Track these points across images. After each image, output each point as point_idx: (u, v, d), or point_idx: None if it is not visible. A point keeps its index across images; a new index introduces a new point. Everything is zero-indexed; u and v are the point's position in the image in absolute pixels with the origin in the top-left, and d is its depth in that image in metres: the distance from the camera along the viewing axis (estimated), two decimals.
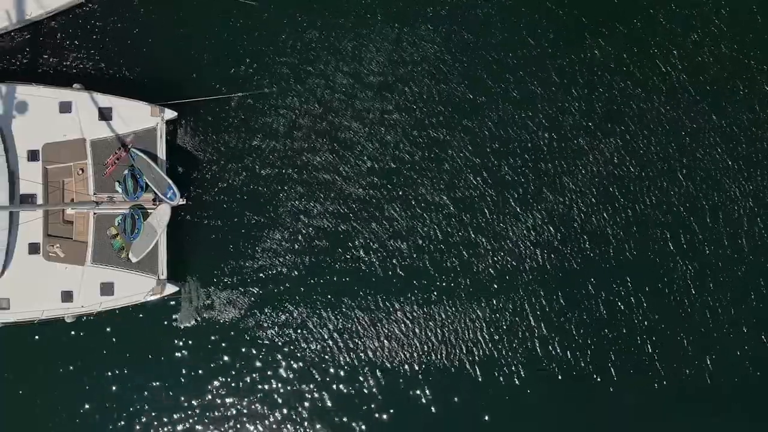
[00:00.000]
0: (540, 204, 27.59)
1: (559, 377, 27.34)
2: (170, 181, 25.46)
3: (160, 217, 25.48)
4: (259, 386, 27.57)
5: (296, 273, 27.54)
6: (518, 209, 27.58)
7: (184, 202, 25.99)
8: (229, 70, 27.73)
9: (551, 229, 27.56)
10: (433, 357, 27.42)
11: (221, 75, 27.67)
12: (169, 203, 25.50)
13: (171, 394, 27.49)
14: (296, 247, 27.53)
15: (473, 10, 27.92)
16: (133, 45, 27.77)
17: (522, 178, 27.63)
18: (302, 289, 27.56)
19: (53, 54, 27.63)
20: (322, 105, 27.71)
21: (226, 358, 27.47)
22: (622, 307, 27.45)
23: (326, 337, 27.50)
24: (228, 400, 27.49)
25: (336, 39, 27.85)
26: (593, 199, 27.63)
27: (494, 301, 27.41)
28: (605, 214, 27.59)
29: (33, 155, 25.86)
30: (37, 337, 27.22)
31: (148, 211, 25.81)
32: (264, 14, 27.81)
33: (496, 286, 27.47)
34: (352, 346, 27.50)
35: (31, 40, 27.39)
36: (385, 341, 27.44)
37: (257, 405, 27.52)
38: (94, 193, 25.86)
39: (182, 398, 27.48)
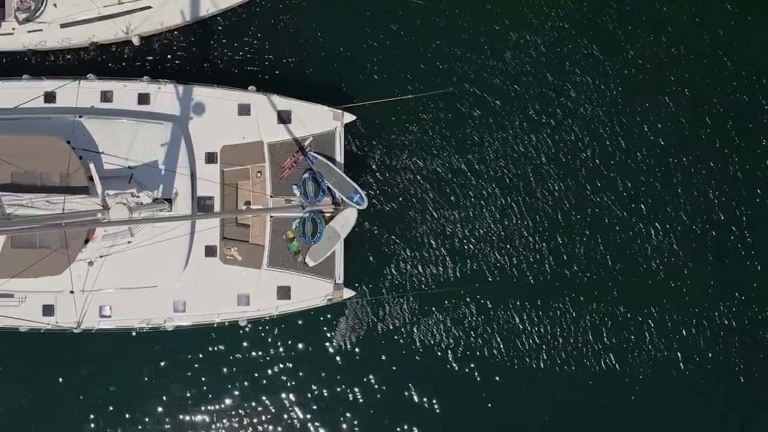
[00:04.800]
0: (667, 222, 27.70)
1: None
2: (356, 185, 25.21)
3: (345, 221, 25.26)
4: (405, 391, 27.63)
5: (452, 285, 27.43)
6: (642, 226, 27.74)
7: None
8: (399, 72, 27.44)
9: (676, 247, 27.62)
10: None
11: (390, 77, 27.39)
12: (355, 207, 25.31)
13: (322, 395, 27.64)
14: (458, 259, 27.43)
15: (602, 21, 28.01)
16: (302, 45, 27.37)
17: (646, 196, 27.62)
18: (458, 299, 27.50)
19: (224, 53, 27.19)
20: (495, 111, 27.50)
21: (379, 361, 27.56)
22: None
23: (475, 346, 27.43)
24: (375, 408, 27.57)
25: (513, 40, 27.64)
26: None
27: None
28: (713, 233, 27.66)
29: (210, 157, 25.51)
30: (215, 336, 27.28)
31: (326, 215, 25.62)
32: (434, 15, 27.47)
33: (627, 296, 27.51)
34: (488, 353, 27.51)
35: (203, 39, 26.93)
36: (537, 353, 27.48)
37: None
38: (271, 196, 25.57)
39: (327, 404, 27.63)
